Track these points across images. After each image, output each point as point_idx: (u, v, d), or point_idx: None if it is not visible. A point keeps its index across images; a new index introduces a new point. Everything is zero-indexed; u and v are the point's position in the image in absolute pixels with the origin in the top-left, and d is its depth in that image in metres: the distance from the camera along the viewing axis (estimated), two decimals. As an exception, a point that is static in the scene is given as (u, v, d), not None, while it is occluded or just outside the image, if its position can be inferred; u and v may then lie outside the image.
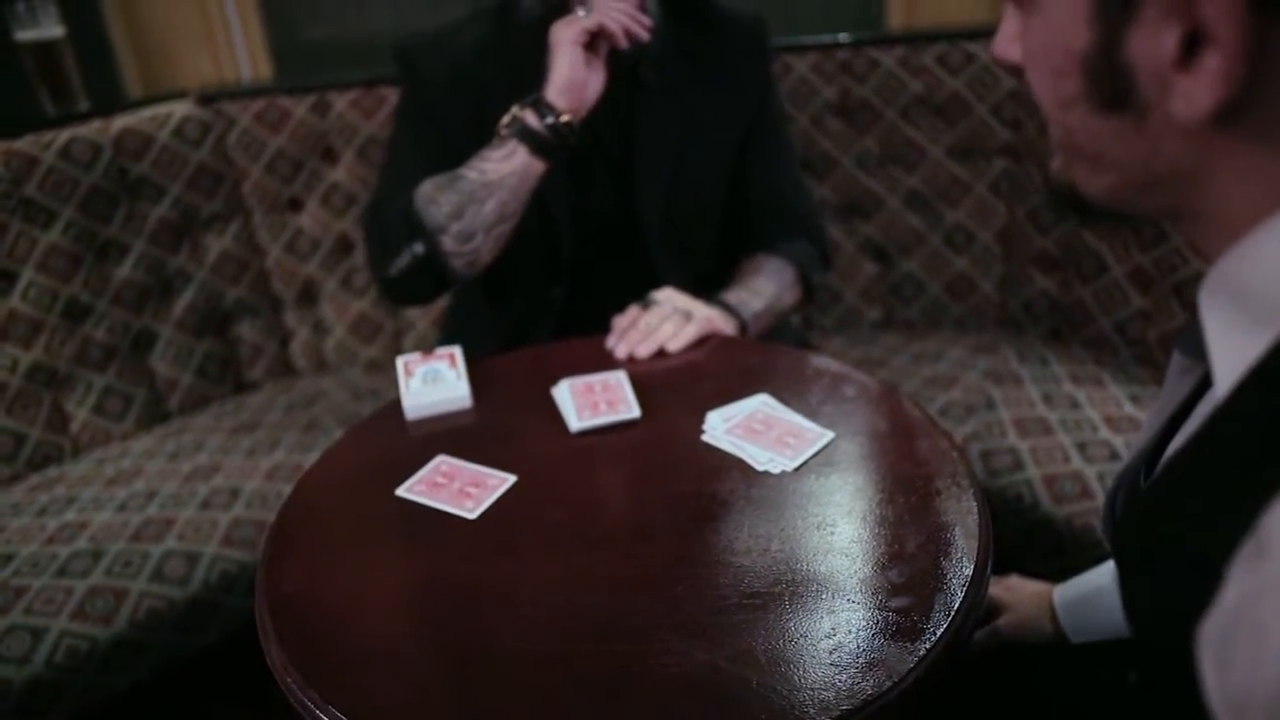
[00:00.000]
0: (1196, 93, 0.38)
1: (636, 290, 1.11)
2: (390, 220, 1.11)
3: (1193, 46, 0.37)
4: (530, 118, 1.05)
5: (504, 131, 1.06)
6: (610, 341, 1.06)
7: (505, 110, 1.07)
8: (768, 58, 1.27)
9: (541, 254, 1.20)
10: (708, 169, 1.23)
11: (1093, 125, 0.44)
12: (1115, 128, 0.43)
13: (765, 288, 1.20)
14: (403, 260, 1.10)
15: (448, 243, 1.08)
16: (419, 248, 1.08)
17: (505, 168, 1.05)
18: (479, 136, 1.09)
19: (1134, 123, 0.42)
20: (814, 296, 1.32)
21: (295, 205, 1.74)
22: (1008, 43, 0.49)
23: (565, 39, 1.03)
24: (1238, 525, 0.36)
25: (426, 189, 1.09)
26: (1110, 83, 0.42)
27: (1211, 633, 0.37)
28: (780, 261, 1.25)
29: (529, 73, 1.07)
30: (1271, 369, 0.39)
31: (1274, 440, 0.38)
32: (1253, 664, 0.34)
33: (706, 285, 1.18)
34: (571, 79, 1.03)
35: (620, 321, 1.08)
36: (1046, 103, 0.47)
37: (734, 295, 1.17)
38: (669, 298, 1.10)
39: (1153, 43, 0.39)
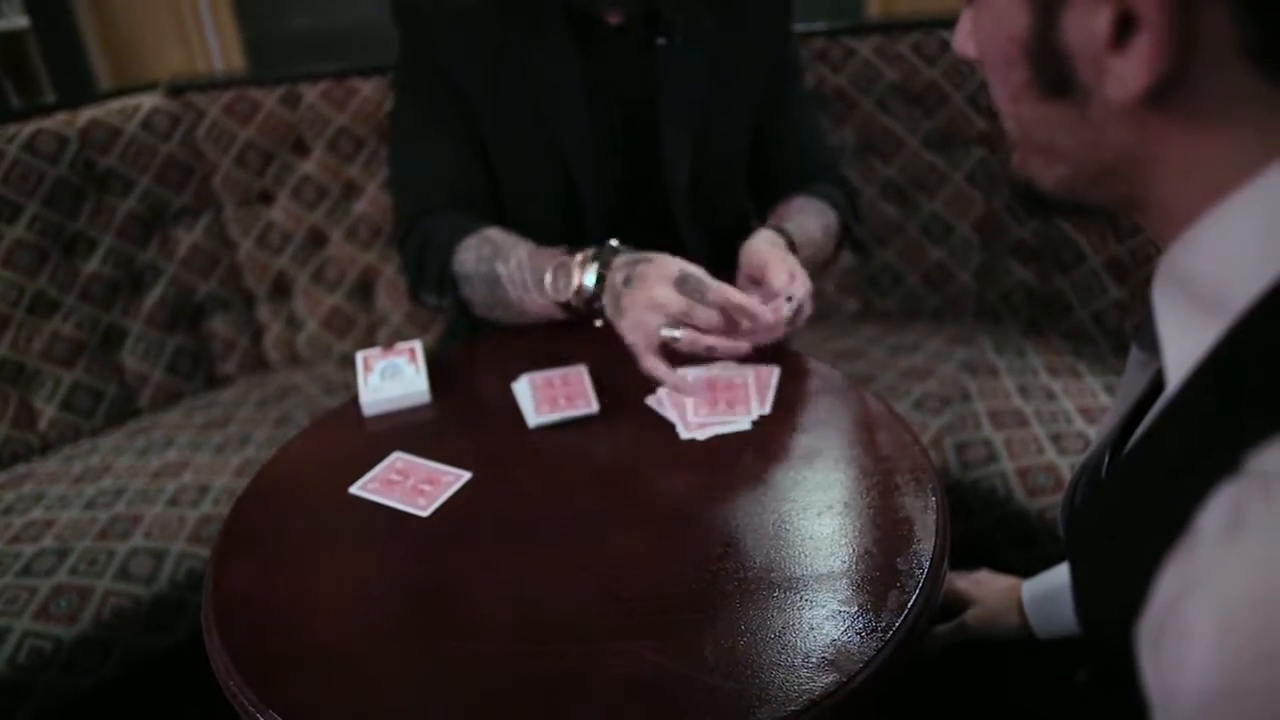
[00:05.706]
0: (1129, 73, 0.38)
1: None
2: (427, 263, 1.10)
3: (1125, 28, 0.38)
4: (575, 301, 0.97)
5: (549, 286, 0.98)
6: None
7: (524, 66, 1.04)
8: (787, 2, 1.20)
9: (564, 219, 1.13)
10: (734, 121, 1.17)
11: (1041, 114, 0.45)
12: (1061, 115, 0.44)
13: (812, 228, 1.12)
14: (432, 301, 1.13)
15: (478, 308, 1.09)
16: (448, 304, 1.10)
17: (543, 311, 1.02)
18: (496, 94, 1.06)
19: (1078, 109, 0.43)
20: (870, 253, 1.24)
21: (266, 198, 1.72)
22: (965, 39, 0.51)
23: (639, 345, 0.91)
24: (1177, 521, 0.36)
25: (467, 262, 1.06)
26: (1051, 67, 0.42)
27: (1147, 630, 0.37)
28: (822, 205, 1.18)
29: (546, 21, 1.04)
30: (1217, 363, 0.39)
31: (1215, 436, 0.37)
32: (1178, 660, 0.34)
33: (728, 244, 1.09)
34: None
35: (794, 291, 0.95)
36: (1000, 97, 0.48)
37: (792, 224, 1.08)
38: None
39: (1086, 25, 0.39)
